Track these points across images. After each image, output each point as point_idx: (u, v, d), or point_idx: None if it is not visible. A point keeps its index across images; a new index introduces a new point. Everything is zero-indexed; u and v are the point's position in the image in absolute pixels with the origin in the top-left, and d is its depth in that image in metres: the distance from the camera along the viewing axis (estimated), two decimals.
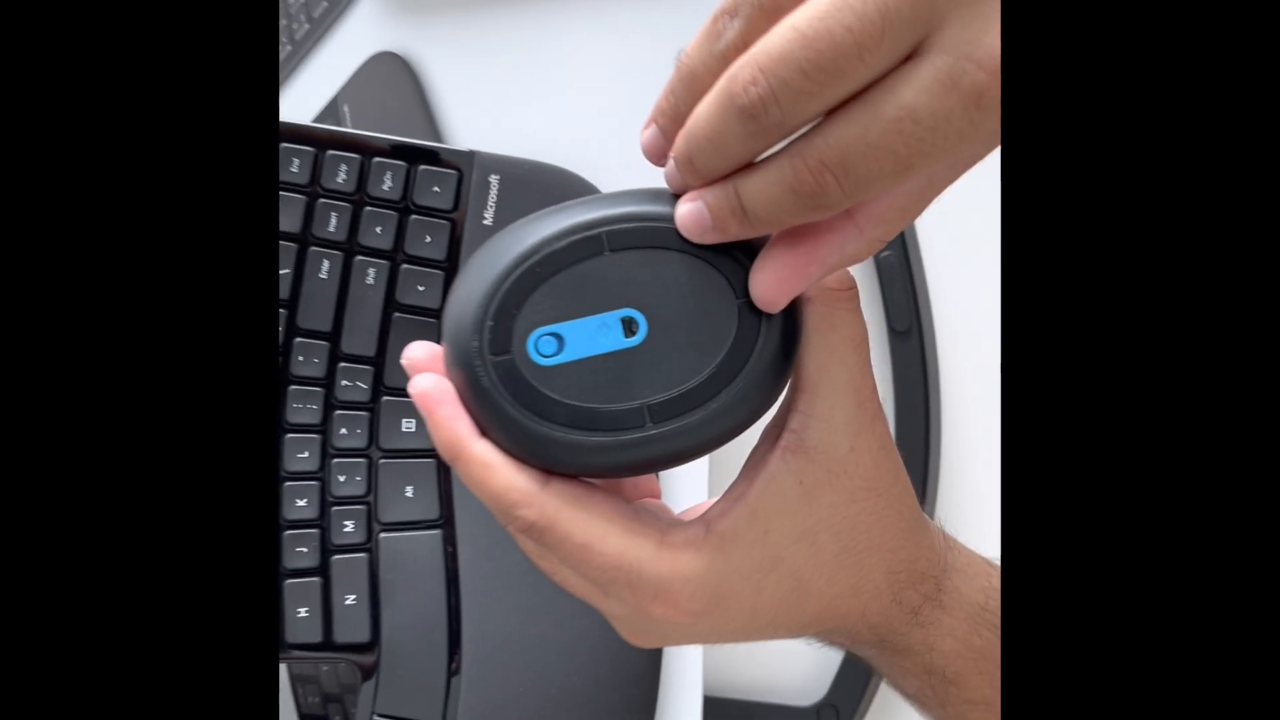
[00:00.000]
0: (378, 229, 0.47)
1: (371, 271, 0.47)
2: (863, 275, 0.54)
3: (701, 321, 0.29)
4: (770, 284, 0.29)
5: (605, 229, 0.29)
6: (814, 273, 0.28)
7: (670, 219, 0.29)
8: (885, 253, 0.53)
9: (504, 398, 0.29)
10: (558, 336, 0.29)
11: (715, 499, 0.33)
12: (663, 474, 0.46)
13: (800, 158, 0.25)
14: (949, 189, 0.28)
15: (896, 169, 0.24)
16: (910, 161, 0.24)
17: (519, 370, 0.29)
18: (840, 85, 0.24)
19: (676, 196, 0.29)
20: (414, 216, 0.47)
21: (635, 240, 0.29)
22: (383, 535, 0.46)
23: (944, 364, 0.53)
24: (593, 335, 0.29)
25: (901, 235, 0.53)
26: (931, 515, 0.42)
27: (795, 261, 0.28)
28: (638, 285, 0.29)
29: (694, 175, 0.27)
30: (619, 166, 0.43)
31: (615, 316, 0.29)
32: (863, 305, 0.31)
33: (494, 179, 0.47)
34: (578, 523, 0.30)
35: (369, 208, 0.47)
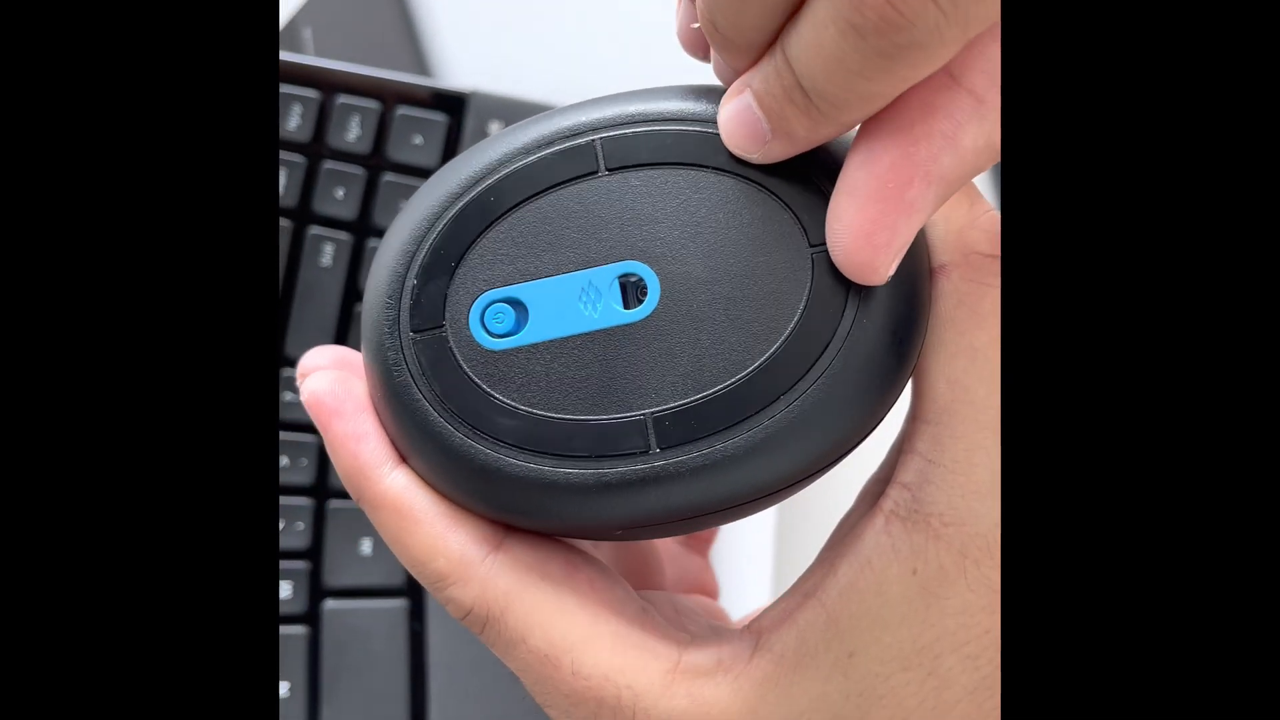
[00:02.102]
0: (338, 192, 0.37)
1: (328, 249, 0.37)
2: None
3: (751, 284, 0.20)
4: (854, 225, 0.19)
5: (600, 135, 0.21)
6: (917, 196, 0.19)
7: (709, 120, 0.21)
8: None
9: (429, 399, 0.20)
10: (517, 304, 0.21)
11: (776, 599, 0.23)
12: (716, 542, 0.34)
13: None
14: None
15: None
16: None
17: (453, 356, 0.20)
18: None
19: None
20: (387, 176, 0.37)
21: (649, 153, 0.20)
22: (329, 604, 0.36)
23: None
24: (571, 303, 0.20)
25: None
26: None
27: (884, 175, 0.19)
28: (648, 225, 0.20)
29: (724, 47, 0.19)
30: None
31: (609, 274, 0.20)
32: None
33: (495, 127, 0.37)
34: (540, 617, 0.21)
35: (328, 162, 0.37)
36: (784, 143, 0.19)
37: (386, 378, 0.21)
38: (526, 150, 0.21)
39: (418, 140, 0.36)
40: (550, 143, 0.21)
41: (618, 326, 0.20)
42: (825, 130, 0.19)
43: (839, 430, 0.20)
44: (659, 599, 0.24)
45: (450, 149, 0.37)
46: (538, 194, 0.21)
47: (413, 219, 0.21)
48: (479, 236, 0.21)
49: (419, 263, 0.21)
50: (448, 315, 0.21)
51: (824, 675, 0.21)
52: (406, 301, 0.21)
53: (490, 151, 0.21)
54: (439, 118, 0.37)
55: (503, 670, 0.35)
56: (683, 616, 0.24)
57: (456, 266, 0.21)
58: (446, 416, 0.20)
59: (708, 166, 0.20)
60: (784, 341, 0.20)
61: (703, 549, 0.32)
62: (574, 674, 0.21)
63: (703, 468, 0.20)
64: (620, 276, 0.20)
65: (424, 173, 0.36)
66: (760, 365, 0.20)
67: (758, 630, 0.22)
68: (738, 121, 0.20)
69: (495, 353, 0.20)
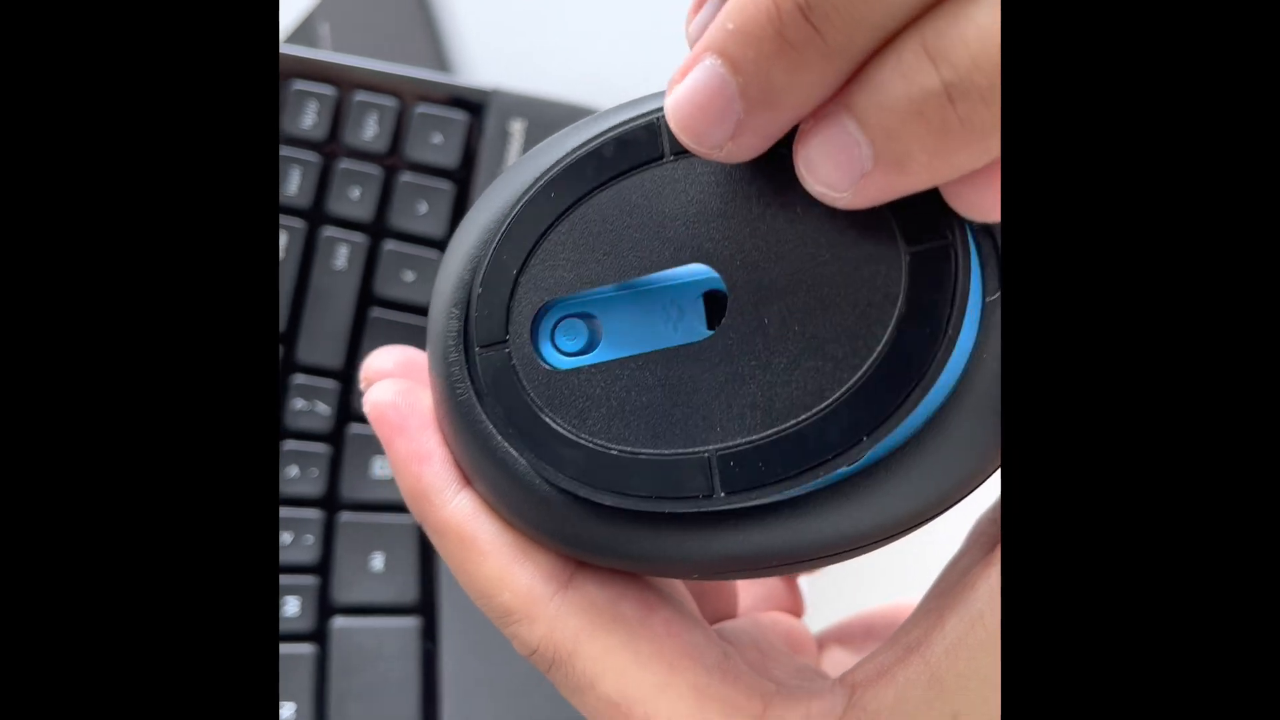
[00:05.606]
0: (353, 192, 0.35)
1: (342, 251, 0.35)
2: None
3: (832, 295, 0.17)
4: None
5: (663, 114, 0.17)
6: None
7: None
8: None
9: (493, 421, 0.19)
10: (589, 320, 0.19)
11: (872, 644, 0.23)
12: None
13: None
14: None
15: None
16: None
17: (515, 374, 0.18)
18: None
19: None
20: (405, 176, 0.35)
21: None
22: (338, 622, 0.34)
23: None
24: (647, 319, 0.18)
25: None
26: None
27: None
28: (715, 221, 0.17)
29: (809, 48, 0.15)
30: None
31: (693, 289, 0.18)
32: None
33: (517, 126, 0.36)
34: (611, 663, 0.20)
35: (343, 161, 0.35)
36: (895, 176, 0.15)
37: (450, 395, 0.19)
38: (590, 139, 0.18)
39: (437, 139, 0.35)
40: (615, 125, 0.18)
41: (681, 345, 0.17)
42: (960, 161, 0.15)
43: (935, 484, 0.17)
44: (741, 638, 0.23)
45: (470, 148, 0.35)
46: (599, 187, 0.18)
47: (480, 220, 0.19)
48: (541, 239, 0.18)
49: (484, 269, 0.18)
50: (511, 329, 0.18)
51: None
52: (473, 313, 0.18)
53: (564, 143, 0.19)
54: (459, 116, 0.35)
55: (519, 693, 0.34)
56: (768, 659, 0.22)
57: (519, 274, 0.18)
58: (511, 441, 0.18)
59: (785, 145, 0.16)
60: (869, 368, 0.16)
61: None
62: None
63: (771, 519, 0.17)
64: (705, 293, 0.18)
65: (443, 173, 0.35)
66: (840, 398, 0.16)
67: (851, 685, 0.20)
68: (825, 154, 0.16)
69: (558, 372, 0.18)
